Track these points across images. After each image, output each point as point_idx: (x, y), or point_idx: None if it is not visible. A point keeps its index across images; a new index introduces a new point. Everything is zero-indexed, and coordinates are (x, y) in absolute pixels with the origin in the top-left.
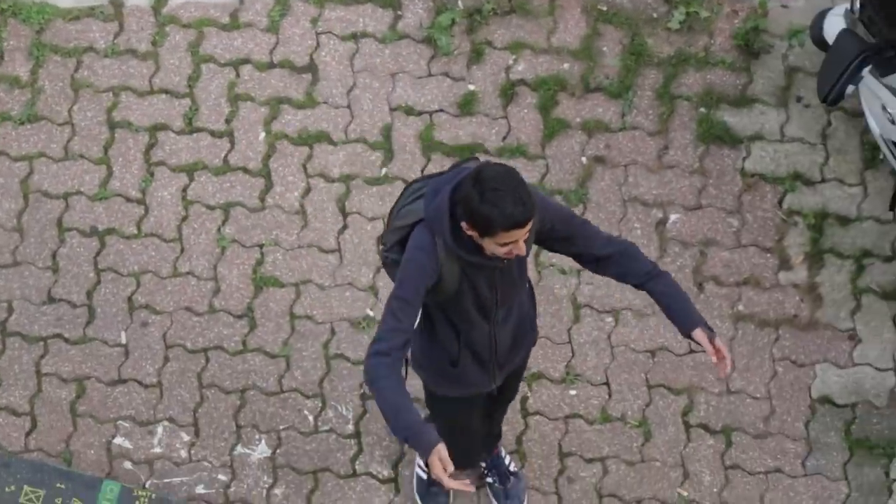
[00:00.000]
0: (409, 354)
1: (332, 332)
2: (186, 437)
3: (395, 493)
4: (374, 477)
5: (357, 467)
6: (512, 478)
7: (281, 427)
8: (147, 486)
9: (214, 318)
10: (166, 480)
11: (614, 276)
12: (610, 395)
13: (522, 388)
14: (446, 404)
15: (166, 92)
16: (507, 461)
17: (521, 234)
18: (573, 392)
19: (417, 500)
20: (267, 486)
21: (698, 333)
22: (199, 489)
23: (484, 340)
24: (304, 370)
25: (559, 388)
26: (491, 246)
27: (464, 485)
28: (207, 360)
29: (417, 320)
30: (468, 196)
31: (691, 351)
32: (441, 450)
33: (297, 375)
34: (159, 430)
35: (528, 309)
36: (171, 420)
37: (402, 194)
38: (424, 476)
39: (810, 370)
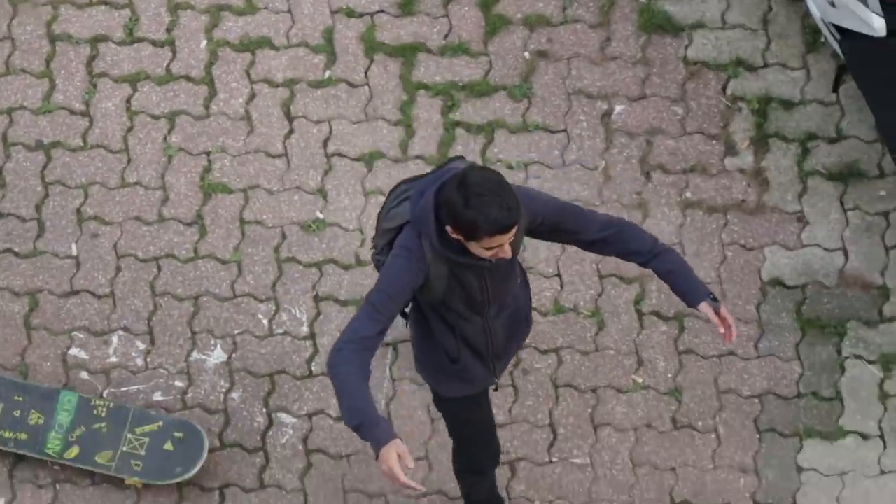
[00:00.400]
0: (413, 358)
1: (283, 235)
2: (142, 346)
3: None
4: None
5: (313, 368)
6: None
7: (236, 332)
8: (104, 395)
9: (164, 227)
10: (123, 389)
11: (617, 256)
12: (562, 287)
13: None
14: (454, 406)
15: (105, 3)
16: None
17: (506, 238)
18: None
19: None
20: (224, 390)
21: (704, 306)
22: (157, 396)
23: (479, 335)
24: (256, 275)
25: None
26: (476, 249)
27: (415, 484)
28: (159, 268)
29: (393, 321)
30: (453, 200)
31: None
32: (399, 444)
33: (250, 280)
34: (114, 339)
35: (523, 301)
36: (125, 329)
37: (388, 196)
38: None
39: (759, 253)
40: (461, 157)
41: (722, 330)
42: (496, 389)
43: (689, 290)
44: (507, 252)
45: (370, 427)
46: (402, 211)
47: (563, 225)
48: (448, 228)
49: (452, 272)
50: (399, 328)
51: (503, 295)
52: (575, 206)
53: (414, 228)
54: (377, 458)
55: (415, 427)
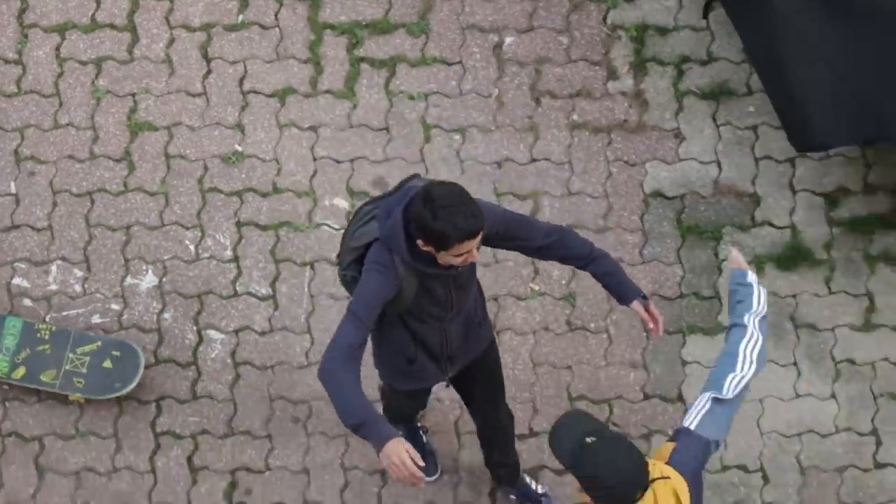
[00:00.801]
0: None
1: (205, 168)
2: (79, 273)
3: (275, 308)
4: (253, 295)
5: (238, 288)
6: (543, 499)
7: (165, 257)
8: (47, 319)
9: (96, 164)
10: (64, 313)
11: (557, 261)
12: None
13: None
14: (401, 395)
15: None
16: (533, 486)
17: (474, 243)
18: None
19: None
20: (157, 311)
21: (636, 304)
22: (95, 319)
23: (436, 338)
24: (182, 204)
25: None
26: (447, 258)
27: (419, 480)
28: (93, 202)
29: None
30: (421, 215)
31: (533, 160)
32: (404, 441)
33: (176, 210)
34: (53, 268)
35: (476, 304)
36: (63, 259)
37: (354, 217)
38: None
39: (641, 168)
40: (417, 175)
41: (651, 325)
42: (447, 386)
43: (622, 290)
44: (475, 255)
45: (372, 425)
46: (370, 230)
47: (511, 233)
48: (419, 242)
49: (422, 283)
50: None
51: (463, 301)
52: (521, 216)
53: (384, 245)
54: (379, 453)
55: None
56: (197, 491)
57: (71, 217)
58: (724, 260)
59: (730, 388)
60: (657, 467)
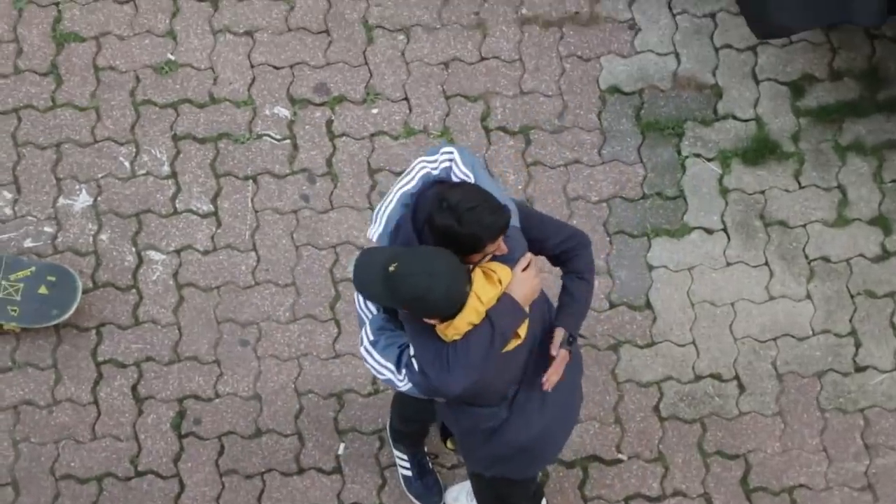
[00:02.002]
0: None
1: (137, 79)
2: (9, 195)
3: (217, 226)
4: (194, 213)
5: (177, 205)
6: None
7: (99, 175)
8: None
9: (20, 79)
10: None
11: (556, 265)
12: (410, 110)
13: None
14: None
15: None
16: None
17: (502, 237)
18: (375, 111)
19: (411, 498)
20: (93, 232)
21: (557, 332)
22: (28, 243)
23: None
24: (114, 119)
25: (361, 108)
26: (477, 258)
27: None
28: (19, 119)
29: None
30: (447, 225)
31: (482, 59)
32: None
33: (109, 125)
34: None
35: None
36: None
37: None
38: (409, 473)
39: (596, 63)
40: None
41: (547, 372)
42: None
43: (564, 316)
44: (503, 249)
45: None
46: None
47: (529, 232)
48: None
49: None
50: None
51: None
52: (543, 214)
53: (413, 229)
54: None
55: (280, 255)
56: (143, 422)
57: None
58: (687, 157)
59: (462, 176)
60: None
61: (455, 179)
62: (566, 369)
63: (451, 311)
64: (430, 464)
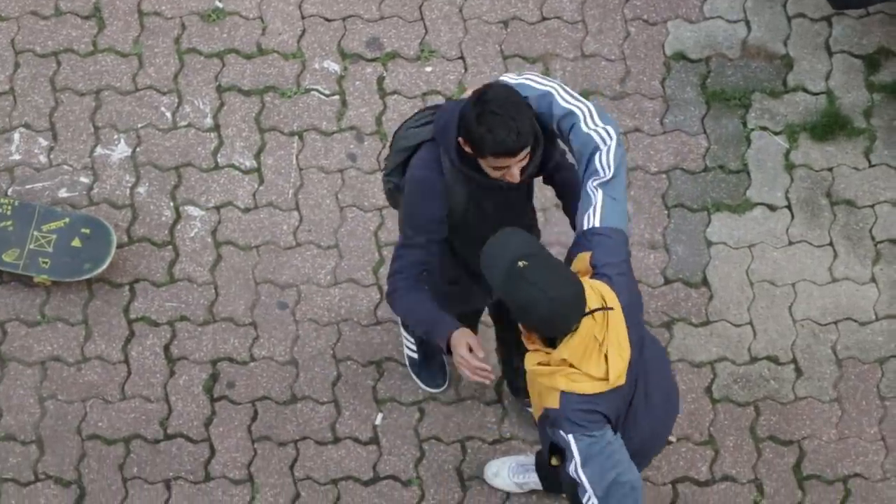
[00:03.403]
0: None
1: (183, 26)
2: (44, 143)
3: (259, 183)
4: (236, 168)
5: (219, 160)
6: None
7: (139, 125)
8: (9, 193)
9: (62, 21)
10: (28, 187)
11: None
12: (466, 69)
13: None
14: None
15: None
16: None
17: (514, 161)
18: (429, 69)
19: (416, 380)
20: (130, 184)
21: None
22: (62, 193)
23: (478, 259)
24: (157, 67)
25: (415, 66)
26: (485, 166)
27: (486, 373)
28: (59, 63)
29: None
30: (468, 113)
31: (543, 19)
32: (467, 333)
33: (151, 73)
34: (16, 136)
35: (529, 231)
36: (27, 126)
37: (411, 117)
38: (415, 355)
39: (662, 28)
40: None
41: None
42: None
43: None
44: (514, 176)
45: (433, 328)
46: (422, 132)
47: (567, 184)
48: (460, 140)
49: (472, 196)
50: None
51: (515, 224)
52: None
53: (434, 145)
54: (449, 351)
55: (324, 215)
56: (174, 383)
57: (35, 80)
58: (753, 130)
59: (604, 166)
60: (595, 290)
61: (599, 162)
62: (658, 365)
63: (545, 334)
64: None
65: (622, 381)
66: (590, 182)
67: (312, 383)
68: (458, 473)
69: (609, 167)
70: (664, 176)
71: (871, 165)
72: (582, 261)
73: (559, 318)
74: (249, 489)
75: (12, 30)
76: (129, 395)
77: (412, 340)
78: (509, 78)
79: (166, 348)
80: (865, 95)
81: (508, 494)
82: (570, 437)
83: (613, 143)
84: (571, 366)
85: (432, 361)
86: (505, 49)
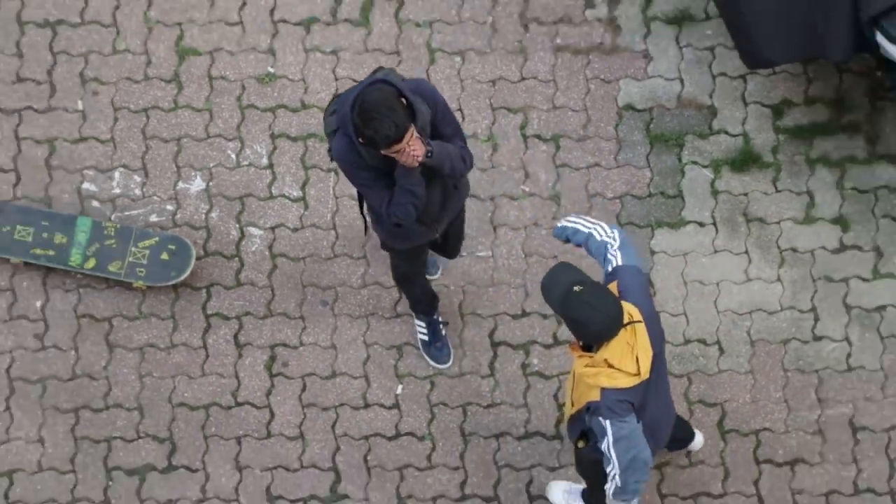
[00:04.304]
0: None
1: (243, 87)
2: (138, 179)
3: (305, 209)
4: (287, 198)
5: (273, 191)
6: (443, 325)
7: (211, 165)
8: (112, 219)
9: (149, 84)
10: (126, 213)
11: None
12: (463, 118)
13: None
14: (403, 256)
15: None
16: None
17: (402, 145)
18: None
19: (427, 359)
20: (205, 211)
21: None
22: (153, 218)
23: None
24: (224, 119)
25: None
26: (385, 154)
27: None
28: (148, 117)
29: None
30: (355, 122)
31: (523, 78)
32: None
33: (219, 124)
34: (116, 175)
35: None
36: (125, 167)
37: (328, 106)
38: (426, 338)
39: (615, 85)
40: (381, 68)
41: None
42: (438, 241)
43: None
44: (407, 155)
45: (400, 185)
46: (333, 119)
47: (438, 125)
48: (359, 140)
49: (387, 159)
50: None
51: (436, 171)
52: (453, 117)
53: (343, 132)
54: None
55: (354, 234)
56: (242, 363)
57: (129, 130)
58: (686, 164)
59: (611, 240)
60: (626, 310)
61: (610, 263)
62: (661, 362)
63: (594, 342)
64: (442, 330)
65: (648, 375)
66: (607, 251)
67: (348, 362)
68: (461, 430)
69: (616, 239)
70: (618, 200)
71: (777, 191)
72: (613, 288)
73: (607, 329)
74: (301, 444)
75: (112, 92)
76: (207, 372)
77: (423, 326)
78: (567, 222)
79: (235, 337)
80: (773, 136)
81: (500, 445)
82: (607, 423)
83: (616, 233)
84: (611, 366)
85: (439, 342)
86: (493, 102)
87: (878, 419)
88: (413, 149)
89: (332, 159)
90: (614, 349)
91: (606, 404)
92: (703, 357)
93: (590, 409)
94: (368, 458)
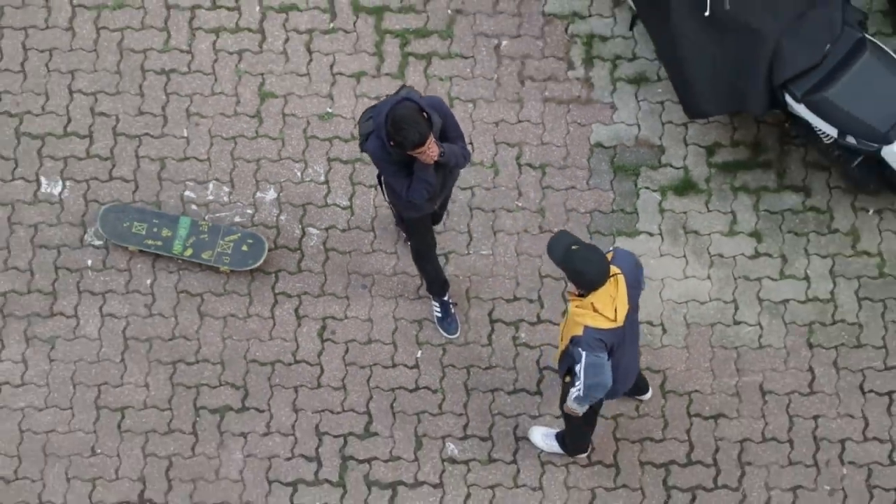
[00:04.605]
0: (384, 193)
1: (308, 122)
2: (227, 189)
3: (351, 215)
4: (338, 206)
5: (328, 200)
6: (452, 305)
7: (282, 180)
8: (206, 218)
9: (237, 119)
10: (217, 215)
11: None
12: (473, 150)
13: None
14: (413, 224)
15: None
16: (448, 298)
17: (423, 149)
18: None
19: (440, 330)
20: (276, 215)
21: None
22: (237, 219)
23: None
24: (293, 146)
25: None
26: (413, 154)
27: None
28: (235, 143)
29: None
30: (388, 130)
31: (519, 121)
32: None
33: (289, 149)
34: (210, 186)
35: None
36: (217, 180)
37: (361, 116)
38: (439, 314)
39: (589, 128)
40: (404, 86)
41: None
42: (438, 209)
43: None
44: (428, 155)
45: (417, 175)
46: (369, 125)
47: (446, 127)
48: (391, 143)
49: (410, 157)
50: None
51: (444, 165)
52: (457, 125)
53: (377, 135)
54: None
55: (388, 234)
56: (300, 331)
57: (221, 153)
58: (640, 189)
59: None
60: (614, 271)
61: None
62: (634, 326)
63: (586, 289)
64: (452, 309)
65: (621, 323)
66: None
67: (381, 332)
68: (465, 386)
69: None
70: (588, 214)
71: (708, 211)
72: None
73: (598, 277)
74: (343, 393)
75: (209, 123)
76: (273, 337)
77: (437, 306)
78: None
79: (296, 310)
80: (706, 170)
81: (494, 398)
82: (584, 353)
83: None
84: (595, 310)
85: (450, 316)
86: (496, 138)
87: (781, 385)
88: (431, 151)
89: (362, 151)
90: (600, 297)
91: (586, 339)
92: (651, 335)
93: (573, 341)
94: (394, 405)
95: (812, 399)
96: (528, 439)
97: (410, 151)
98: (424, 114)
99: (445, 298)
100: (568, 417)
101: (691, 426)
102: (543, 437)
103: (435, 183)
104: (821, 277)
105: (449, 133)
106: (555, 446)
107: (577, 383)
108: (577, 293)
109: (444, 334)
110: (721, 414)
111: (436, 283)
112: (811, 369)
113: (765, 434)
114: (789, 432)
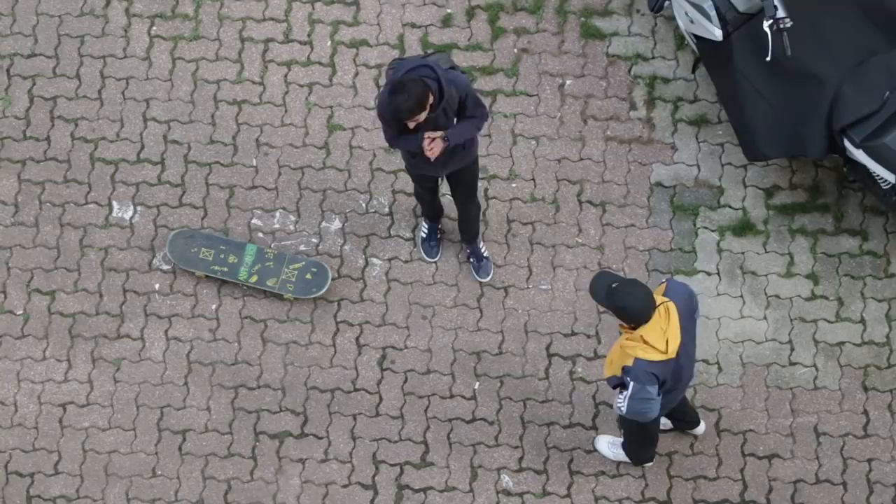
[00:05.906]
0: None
1: (374, 155)
2: (293, 218)
3: (413, 246)
4: (401, 237)
5: (391, 232)
6: (484, 260)
7: (347, 210)
8: (272, 246)
9: (306, 150)
10: (283, 243)
11: None
12: (535, 186)
13: None
14: (415, 179)
15: None
16: (482, 249)
17: (419, 117)
18: (514, 185)
19: (421, 252)
20: (340, 244)
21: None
22: (301, 247)
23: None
24: (358, 178)
25: (506, 182)
26: (411, 122)
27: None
28: (303, 173)
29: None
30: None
31: (581, 159)
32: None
33: (355, 181)
34: (277, 214)
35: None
36: (283, 209)
37: (391, 62)
38: (425, 235)
39: (649, 167)
40: (434, 52)
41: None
42: (442, 180)
43: (452, 127)
44: (430, 152)
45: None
46: (390, 73)
47: (466, 103)
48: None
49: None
50: None
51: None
52: (479, 99)
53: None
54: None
55: (450, 267)
56: (360, 359)
57: (289, 183)
58: (699, 228)
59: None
60: (658, 297)
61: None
62: (688, 326)
63: (633, 323)
64: (438, 234)
65: (673, 355)
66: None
67: (440, 363)
68: (521, 419)
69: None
70: (647, 252)
71: (766, 252)
72: (658, 289)
73: (644, 310)
74: (401, 422)
75: (278, 154)
76: (334, 365)
77: (426, 227)
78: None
79: (357, 339)
80: (764, 211)
81: (550, 431)
82: (632, 383)
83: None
84: (646, 342)
85: (433, 241)
86: (558, 175)
87: (835, 427)
88: (431, 151)
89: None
90: (650, 329)
91: (636, 371)
92: (706, 374)
93: (624, 370)
94: (451, 436)
95: (866, 442)
96: (582, 473)
97: (408, 120)
98: (432, 89)
99: (435, 223)
100: (626, 430)
101: (745, 465)
102: (609, 445)
103: (416, 153)
104: (877, 321)
105: (469, 108)
106: (621, 454)
107: (620, 406)
108: (628, 326)
109: (424, 256)
110: (775, 454)
111: (427, 213)
112: (866, 412)
113: (818, 476)
114: (843, 475)
